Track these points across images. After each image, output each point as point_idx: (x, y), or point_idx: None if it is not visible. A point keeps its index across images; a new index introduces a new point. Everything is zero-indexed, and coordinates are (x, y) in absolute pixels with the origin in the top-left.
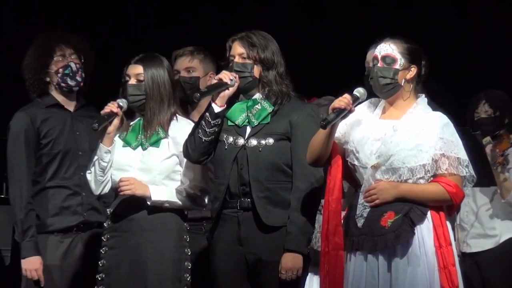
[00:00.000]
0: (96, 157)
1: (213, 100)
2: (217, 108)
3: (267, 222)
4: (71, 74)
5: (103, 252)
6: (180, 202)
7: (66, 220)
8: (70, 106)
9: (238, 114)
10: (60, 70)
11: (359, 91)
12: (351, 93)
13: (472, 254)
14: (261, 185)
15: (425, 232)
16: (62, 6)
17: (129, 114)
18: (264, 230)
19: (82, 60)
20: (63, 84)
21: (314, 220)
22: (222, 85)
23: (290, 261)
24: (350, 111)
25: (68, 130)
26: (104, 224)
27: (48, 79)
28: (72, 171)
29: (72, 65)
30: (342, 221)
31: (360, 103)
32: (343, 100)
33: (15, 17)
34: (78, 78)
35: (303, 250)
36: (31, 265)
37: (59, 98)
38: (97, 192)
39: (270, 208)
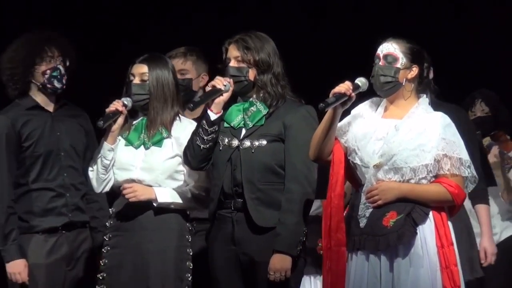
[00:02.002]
0: (99, 155)
1: (209, 107)
2: (213, 116)
3: (259, 223)
4: (58, 76)
5: (104, 251)
6: (185, 203)
7: (52, 221)
8: (50, 106)
9: (234, 116)
10: (48, 71)
11: (360, 80)
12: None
13: None
14: (253, 186)
15: (427, 232)
16: (61, 6)
17: (131, 113)
18: (256, 231)
19: (67, 64)
20: (49, 86)
21: (305, 222)
22: (216, 92)
23: (278, 262)
24: (350, 98)
25: (49, 131)
26: (106, 223)
27: (31, 79)
28: (55, 172)
29: (61, 67)
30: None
31: (360, 93)
32: (344, 85)
33: (8, 15)
34: (64, 81)
35: (292, 252)
36: (15, 269)
37: (39, 98)
38: (98, 190)
39: (262, 209)
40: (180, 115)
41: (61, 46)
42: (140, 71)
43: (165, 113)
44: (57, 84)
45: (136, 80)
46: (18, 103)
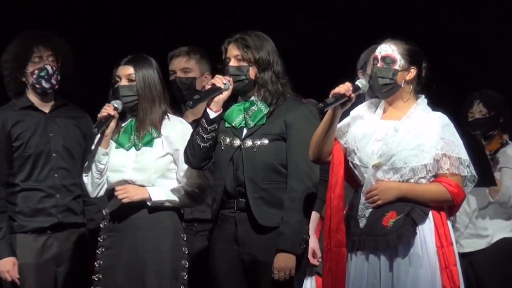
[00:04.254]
0: (93, 160)
1: (208, 105)
2: (212, 114)
3: (262, 223)
4: (46, 76)
5: (99, 253)
6: (179, 200)
7: (40, 221)
8: (46, 107)
9: (235, 115)
10: (36, 71)
11: (361, 82)
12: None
13: (466, 254)
14: (256, 186)
15: (426, 232)
16: (56, 7)
17: (120, 115)
18: (260, 231)
19: (59, 63)
20: (37, 86)
21: (308, 220)
22: (215, 90)
23: (283, 261)
24: (350, 99)
25: (40, 132)
26: (101, 224)
27: (24, 79)
28: (46, 173)
29: (48, 67)
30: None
31: (360, 95)
32: (343, 86)
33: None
34: (53, 81)
35: (296, 250)
36: (4, 267)
37: (34, 99)
38: (93, 194)
39: (266, 208)
40: (168, 113)
41: (52, 46)
42: (126, 72)
43: (153, 113)
44: (45, 84)
45: (123, 82)
46: (14, 103)
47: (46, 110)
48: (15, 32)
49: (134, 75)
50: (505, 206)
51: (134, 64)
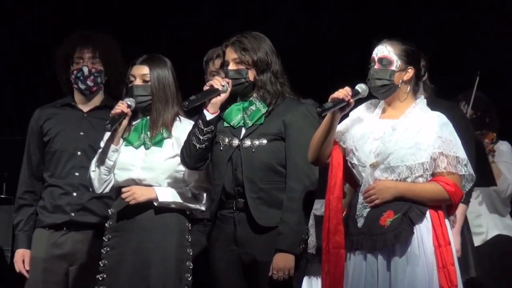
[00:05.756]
0: (104, 156)
1: (206, 107)
2: (209, 116)
3: (261, 223)
4: (81, 77)
5: (104, 252)
6: (185, 203)
7: (55, 217)
8: (86, 106)
9: (234, 115)
10: (74, 72)
11: (361, 87)
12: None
13: None
14: (254, 186)
15: (424, 231)
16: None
17: (131, 113)
18: (258, 231)
19: (101, 67)
20: (75, 86)
21: (307, 220)
22: (213, 92)
23: (281, 261)
24: (349, 104)
25: (70, 130)
26: (106, 224)
27: (69, 78)
28: (67, 170)
29: (85, 69)
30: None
31: (360, 99)
32: (342, 91)
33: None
34: (89, 83)
35: (295, 250)
36: (16, 257)
37: (77, 98)
38: (99, 190)
39: (264, 208)
40: (179, 115)
41: (95, 47)
42: (141, 72)
43: (166, 114)
44: (80, 85)
45: (138, 82)
46: (61, 100)
47: (86, 109)
48: (15, 32)
49: (149, 75)
50: (503, 195)
51: (149, 64)
